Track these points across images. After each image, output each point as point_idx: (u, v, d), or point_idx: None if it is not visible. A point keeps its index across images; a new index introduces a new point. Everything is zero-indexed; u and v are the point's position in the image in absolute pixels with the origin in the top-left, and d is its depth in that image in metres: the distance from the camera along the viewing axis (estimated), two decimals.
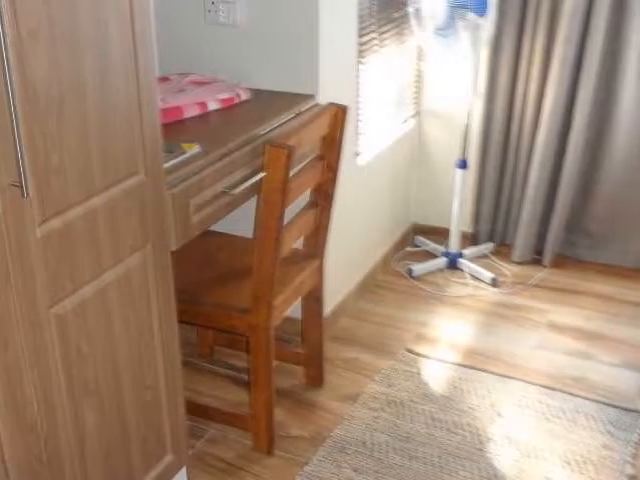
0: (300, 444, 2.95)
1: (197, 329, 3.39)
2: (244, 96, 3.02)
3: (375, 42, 3.61)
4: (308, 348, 3.21)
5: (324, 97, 3.11)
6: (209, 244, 3.03)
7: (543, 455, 2.88)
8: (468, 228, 4.33)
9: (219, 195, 2.50)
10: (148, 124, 2.09)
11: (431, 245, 4.31)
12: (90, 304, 2.01)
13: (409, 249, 4.36)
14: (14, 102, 1.63)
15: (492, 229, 4.33)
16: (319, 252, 3.02)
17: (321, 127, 2.76)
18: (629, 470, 2.80)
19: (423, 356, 3.46)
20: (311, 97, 3.10)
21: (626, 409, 3.11)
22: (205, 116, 2.85)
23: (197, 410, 2.99)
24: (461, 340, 3.59)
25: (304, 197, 2.85)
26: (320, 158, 2.85)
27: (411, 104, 4.17)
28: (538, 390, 3.23)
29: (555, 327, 3.68)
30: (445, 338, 3.60)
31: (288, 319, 3.09)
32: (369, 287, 3.96)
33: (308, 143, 2.68)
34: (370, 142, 3.73)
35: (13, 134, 1.65)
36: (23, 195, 1.69)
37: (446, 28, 3.61)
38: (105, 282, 2.05)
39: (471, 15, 3.56)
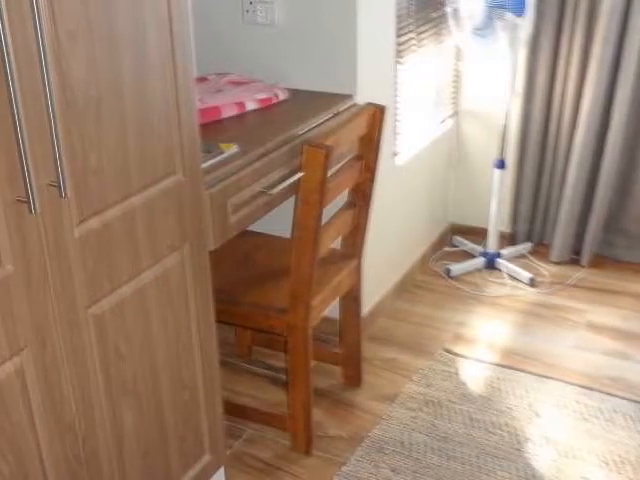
0: (338, 444, 2.93)
1: (235, 329, 3.38)
2: (282, 96, 3.00)
3: (413, 42, 3.58)
4: (346, 348, 3.18)
5: (362, 97, 3.09)
6: (247, 244, 3.01)
7: (581, 455, 2.84)
8: (506, 228, 4.28)
9: (257, 195, 2.48)
10: (186, 124, 2.07)
11: (469, 245, 4.27)
12: (128, 304, 2.00)
13: (447, 249, 4.32)
14: (52, 103, 1.62)
15: (530, 229, 4.28)
16: (357, 252, 2.99)
17: (359, 127, 2.73)
18: None
19: (461, 356, 3.43)
20: (349, 97, 3.07)
21: None
22: (243, 116, 2.83)
23: (235, 410, 2.98)
24: (499, 340, 3.54)
25: (342, 197, 2.82)
26: (358, 158, 2.82)
27: (449, 104, 4.13)
28: (576, 390, 3.18)
29: (593, 327, 3.63)
30: (483, 338, 3.56)
31: (326, 319, 3.07)
32: (407, 287, 3.94)
33: (346, 143, 2.66)
34: (408, 142, 3.70)
35: (51, 134, 1.64)
36: (61, 195, 1.68)
37: (484, 28, 3.57)
38: (143, 282, 2.04)
39: (509, 15, 3.52)
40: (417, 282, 4.01)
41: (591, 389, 3.19)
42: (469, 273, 4.09)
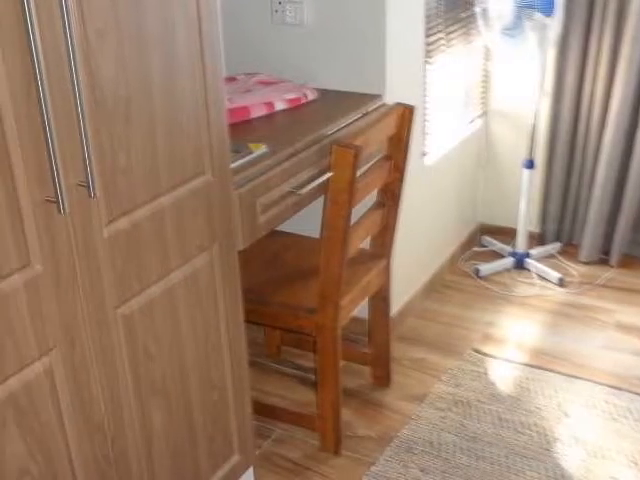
0: (367, 444, 2.91)
1: (264, 329, 3.37)
2: (311, 96, 2.98)
3: (442, 42, 3.55)
4: (375, 348, 3.16)
5: (391, 97, 3.06)
6: (276, 244, 3.00)
7: (610, 455, 2.80)
8: (535, 228, 4.25)
9: (286, 195, 2.47)
10: (215, 124, 2.06)
11: (498, 245, 4.24)
12: (157, 304, 1.99)
13: (476, 249, 4.29)
14: (81, 102, 1.61)
15: (559, 229, 4.24)
16: (386, 252, 2.96)
17: (388, 127, 2.71)
18: None
19: (490, 356, 3.40)
20: (378, 97, 3.05)
21: None
22: (272, 116, 2.82)
23: (264, 410, 2.97)
24: (528, 340, 3.51)
25: (371, 197, 2.80)
26: (387, 158, 2.80)
27: (478, 104, 4.10)
28: (605, 390, 3.15)
29: (622, 327, 3.59)
30: (512, 338, 3.53)
31: (355, 319, 3.06)
32: (436, 287, 3.91)
33: (375, 143, 2.64)
34: (437, 142, 3.67)
35: (80, 134, 1.63)
36: (90, 195, 1.67)
37: (513, 28, 3.55)
38: (172, 282, 2.02)
39: (538, 15, 3.49)
40: (446, 282, 3.98)
41: (620, 389, 3.15)
42: (498, 273, 4.06)
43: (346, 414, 3.00)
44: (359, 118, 2.88)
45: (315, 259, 2.63)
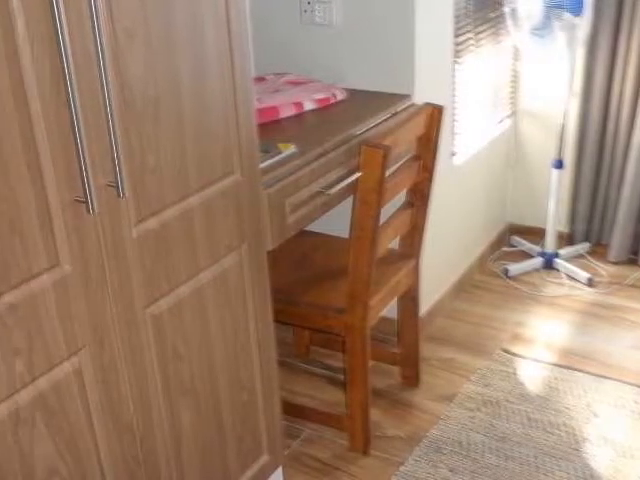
0: (396, 444, 2.89)
1: (293, 329, 3.35)
2: (340, 96, 2.95)
3: (471, 42, 3.52)
4: (404, 348, 3.14)
5: (420, 97, 3.04)
6: (305, 244, 2.98)
7: (639, 455, 2.77)
8: (564, 228, 4.20)
9: (315, 195, 2.45)
10: (244, 124, 2.04)
11: (527, 245, 4.20)
12: (186, 304, 1.97)
13: (505, 249, 4.25)
14: (110, 102, 1.60)
15: (588, 229, 4.19)
16: (415, 252, 2.94)
17: (417, 127, 2.68)
18: None
19: (519, 356, 3.37)
20: (407, 97, 3.02)
21: None
22: (301, 116, 2.80)
23: (293, 410, 2.96)
24: (557, 340, 3.47)
25: (400, 197, 2.78)
26: (416, 158, 2.78)
27: (507, 104, 4.06)
28: (634, 390, 3.11)
29: None
30: (541, 338, 3.49)
31: (384, 319, 3.03)
32: (465, 287, 3.88)
33: (404, 143, 2.62)
34: (466, 142, 3.64)
35: (109, 134, 1.62)
36: (119, 195, 1.66)
37: (542, 28, 3.51)
38: (201, 282, 2.01)
39: (567, 15, 3.45)
40: (475, 282, 3.95)
41: None
42: (527, 273, 4.02)
43: (375, 414, 2.98)
44: (388, 118, 2.86)
45: (344, 259, 2.61)
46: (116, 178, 1.64)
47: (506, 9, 3.62)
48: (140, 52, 1.69)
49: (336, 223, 2.98)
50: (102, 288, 1.71)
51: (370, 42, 3.06)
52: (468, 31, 3.48)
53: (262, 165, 2.22)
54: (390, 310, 3.02)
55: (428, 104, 2.75)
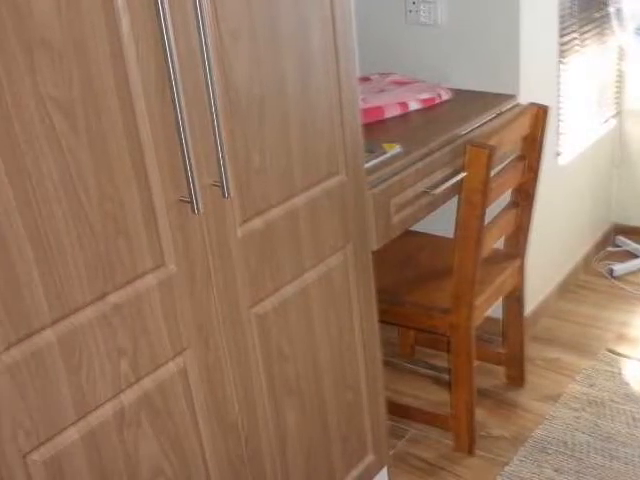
0: (501, 444, 2.81)
1: (398, 329, 3.29)
2: (445, 96, 2.88)
3: (576, 42, 3.40)
4: (509, 348, 3.05)
5: (525, 97, 2.95)
6: (409, 244, 2.92)
7: None
8: None
9: (420, 195, 2.39)
10: (349, 124, 1.98)
11: (632, 245, 4.04)
12: (291, 304, 1.92)
13: (610, 249, 4.10)
14: (215, 103, 1.56)
15: None
16: (520, 252, 2.85)
17: (522, 127, 2.60)
18: None
19: (624, 356, 3.24)
20: (512, 97, 2.93)
21: None
22: (406, 116, 2.74)
23: (398, 410, 2.90)
24: None
25: (505, 197, 2.70)
26: (521, 158, 2.69)
27: (612, 104, 3.92)
28: None
29: None
30: None
31: (489, 319, 2.96)
32: (570, 287, 3.76)
33: (509, 143, 2.54)
34: (571, 142, 3.52)
35: (214, 134, 1.58)
36: (224, 195, 1.62)
37: None
38: (306, 282, 1.95)
39: None
40: (580, 282, 3.82)
41: None
42: (632, 273, 3.87)
43: (480, 414, 2.91)
44: (493, 118, 2.79)
45: (449, 259, 2.55)
46: (221, 178, 1.60)
47: (611, 9, 3.52)
48: (245, 52, 1.64)
49: (441, 223, 2.92)
50: (207, 288, 1.67)
51: (475, 42, 2.99)
52: (573, 31, 3.37)
53: (367, 165, 2.17)
54: (495, 310, 2.96)
55: (533, 104, 2.68)
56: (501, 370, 3.13)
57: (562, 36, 3.26)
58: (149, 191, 1.50)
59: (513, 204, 2.77)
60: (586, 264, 3.91)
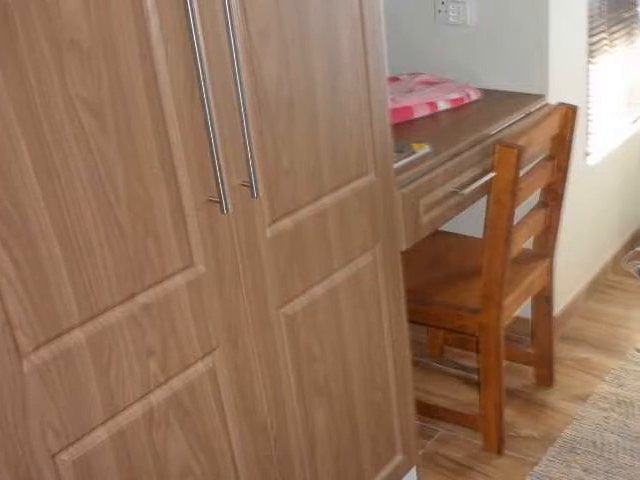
0: (530, 444, 2.77)
1: (427, 329, 3.27)
2: (474, 96, 2.85)
3: (605, 42, 3.35)
4: (538, 348, 3.02)
5: (554, 97, 2.91)
6: (438, 244, 2.89)
7: None
8: None
9: (449, 195, 2.36)
10: (378, 124, 1.95)
11: None
12: (320, 304, 1.89)
13: (639, 249, 4.04)
14: (244, 103, 1.53)
15: None
16: (549, 252, 2.82)
17: (551, 127, 2.57)
18: None
19: None
20: (541, 97, 2.89)
21: None
22: (435, 116, 2.72)
23: (427, 410, 2.88)
24: None
25: (534, 197, 2.67)
26: (550, 158, 2.66)
27: None
28: None
29: None
30: None
31: (518, 319, 2.95)
32: (599, 287, 3.71)
33: (538, 143, 2.50)
34: (600, 142, 3.48)
35: (243, 134, 1.56)
36: (253, 195, 1.59)
37: None
38: (335, 282, 1.92)
39: None
40: (609, 282, 3.78)
41: None
42: None
43: (509, 414, 2.88)
44: (522, 118, 2.75)
45: (478, 259, 2.52)
46: (250, 178, 1.58)
47: None
48: (274, 52, 1.62)
49: (470, 223, 2.90)
50: (236, 288, 1.64)
51: (504, 42, 2.95)
52: (602, 31, 3.32)
53: (396, 165, 2.15)
54: (524, 310, 2.93)
55: (562, 104, 2.64)
56: (530, 370, 3.10)
57: (591, 36, 3.22)
58: (178, 191, 1.48)
59: (542, 204, 2.74)
60: (615, 264, 3.87)
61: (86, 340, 1.38)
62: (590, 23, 3.18)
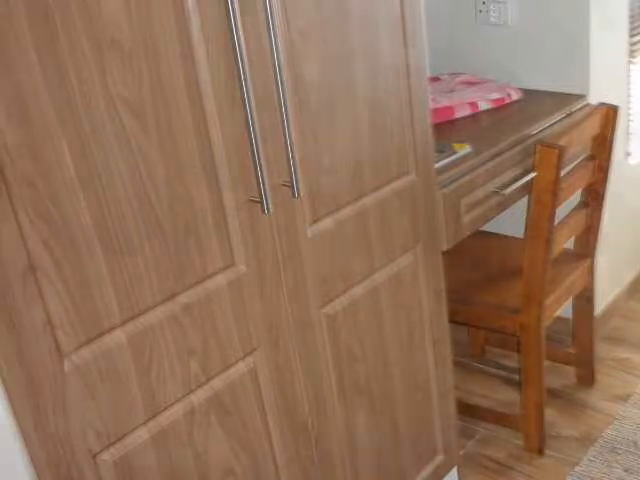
0: (571, 444, 2.72)
1: (468, 329, 3.23)
2: (515, 96, 2.80)
3: None
4: (579, 348, 2.96)
5: (595, 97, 2.85)
6: (479, 244, 2.85)
7: None
8: None
9: (490, 195, 2.32)
10: (419, 124, 1.91)
11: None
12: (361, 304, 1.85)
13: None
14: (285, 103, 1.50)
15: None
16: (590, 252, 2.77)
17: (592, 127, 2.52)
18: None
19: None
20: (582, 97, 2.84)
21: None
22: (476, 116, 2.67)
23: (468, 410, 2.84)
24: None
25: (575, 197, 2.62)
26: (591, 158, 2.61)
27: None
28: None
29: None
30: None
31: (559, 319, 2.86)
32: None
33: (579, 143, 2.45)
34: None
35: (284, 134, 1.53)
36: (294, 195, 1.57)
37: None
38: (376, 282, 1.89)
39: None
40: None
41: None
42: None
43: (550, 414, 2.83)
44: (563, 118, 2.70)
45: (519, 259, 2.48)
46: (291, 178, 1.55)
47: None
48: (315, 53, 1.58)
49: (511, 223, 2.85)
50: (277, 288, 1.61)
51: (545, 42, 2.90)
52: None
53: (437, 165, 2.11)
54: (565, 310, 2.86)
55: (603, 104, 2.59)
56: (571, 370, 3.05)
57: (632, 36, 3.14)
58: (219, 191, 1.45)
59: (583, 204, 2.69)
60: None
61: (127, 340, 1.35)
62: (631, 23, 3.11)
